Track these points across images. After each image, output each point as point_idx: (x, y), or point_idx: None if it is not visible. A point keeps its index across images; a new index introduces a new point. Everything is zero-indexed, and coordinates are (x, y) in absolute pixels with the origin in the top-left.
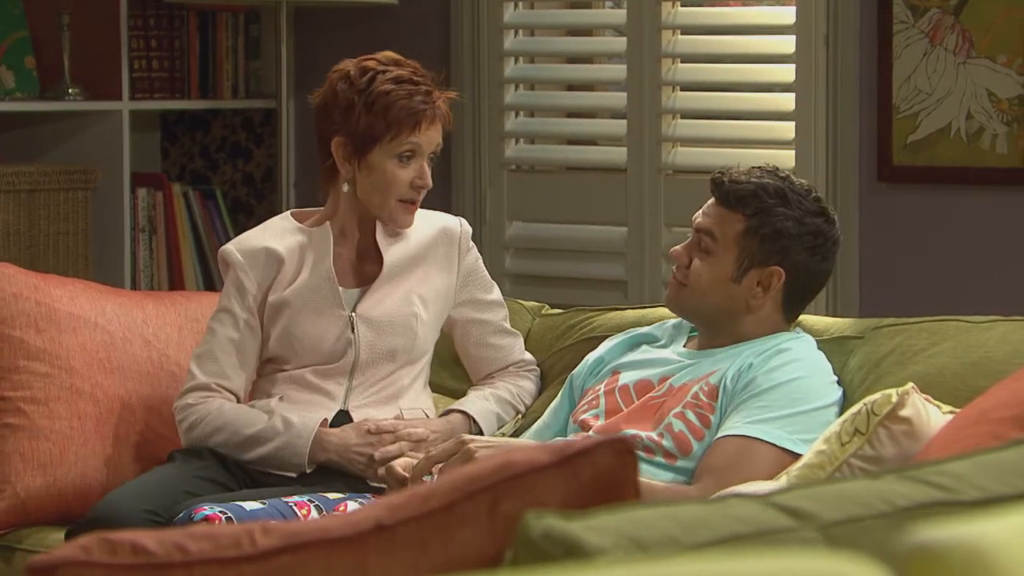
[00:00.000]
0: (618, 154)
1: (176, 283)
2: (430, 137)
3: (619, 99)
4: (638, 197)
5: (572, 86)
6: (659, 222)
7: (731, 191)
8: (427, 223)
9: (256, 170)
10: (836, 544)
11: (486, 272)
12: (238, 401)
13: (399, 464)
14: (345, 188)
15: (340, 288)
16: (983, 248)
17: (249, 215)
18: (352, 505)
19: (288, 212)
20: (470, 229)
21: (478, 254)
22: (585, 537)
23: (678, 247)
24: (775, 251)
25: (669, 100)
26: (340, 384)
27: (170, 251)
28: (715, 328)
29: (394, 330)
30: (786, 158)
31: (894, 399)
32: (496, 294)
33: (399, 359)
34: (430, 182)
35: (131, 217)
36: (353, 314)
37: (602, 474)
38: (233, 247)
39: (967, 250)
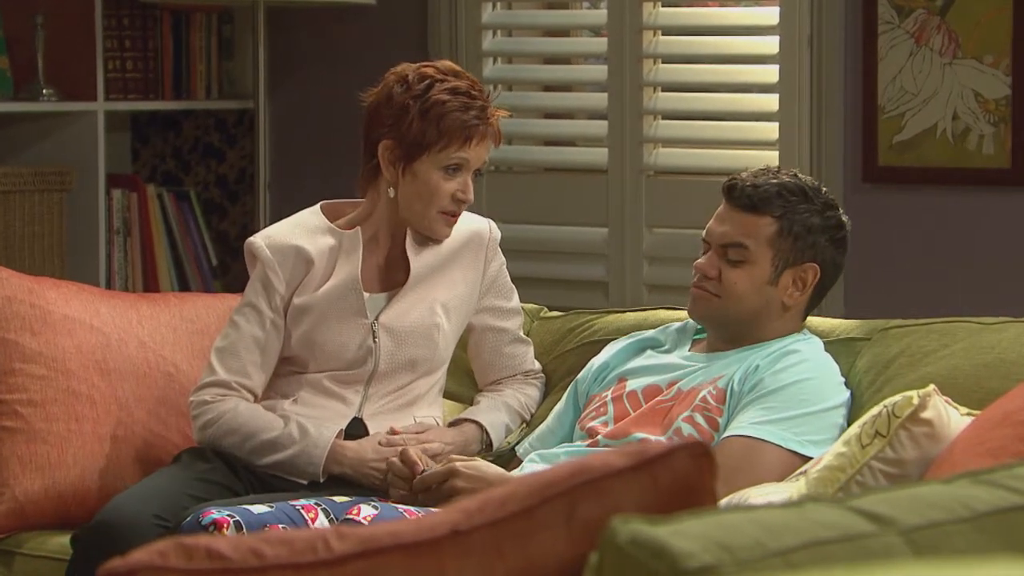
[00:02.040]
0: (599, 155)
1: (151, 285)
2: (479, 153)
3: (600, 100)
4: (619, 198)
5: (550, 87)
6: (640, 223)
7: (754, 195)
8: (456, 226)
9: (230, 171)
10: (920, 549)
11: (508, 278)
12: (255, 400)
13: (412, 451)
14: (391, 193)
15: (365, 294)
16: (969, 249)
17: (223, 217)
18: (364, 508)
19: (318, 206)
20: (499, 234)
21: (503, 259)
22: (673, 542)
23: (701, 260)
24: (807, 247)
25: (651, 101)
26: (357, 392)
27: (144, 253)
28: (740, 332)
29: (416, 340)
30: (770, 159)
31: (915, 401)
32: (515, 301)
33: (418, 369)
34: (472, 197)
35: (106, 219)
36: (376, 322)
37: (680, 478)
38: (262, 241)
39: (953, 251)
